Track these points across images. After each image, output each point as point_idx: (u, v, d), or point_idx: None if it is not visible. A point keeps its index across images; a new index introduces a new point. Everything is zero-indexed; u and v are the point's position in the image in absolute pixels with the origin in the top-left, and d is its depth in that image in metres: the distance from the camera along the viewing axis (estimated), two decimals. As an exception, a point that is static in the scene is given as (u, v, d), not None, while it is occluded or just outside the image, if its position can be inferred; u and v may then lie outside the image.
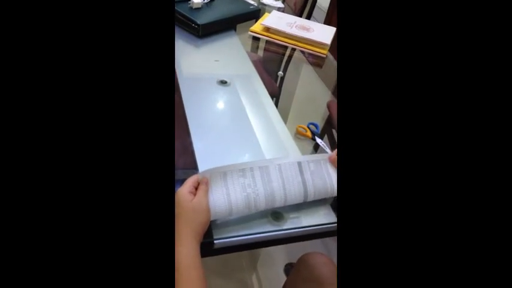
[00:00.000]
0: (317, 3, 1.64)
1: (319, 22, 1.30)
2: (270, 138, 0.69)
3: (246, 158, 0.65)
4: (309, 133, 0.74)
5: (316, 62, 1.08)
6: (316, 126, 0.77)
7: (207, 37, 1.01)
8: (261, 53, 1.11)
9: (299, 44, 1.10)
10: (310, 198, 0.54)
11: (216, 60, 0.92)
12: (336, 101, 0.91)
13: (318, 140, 0.74)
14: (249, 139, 0.68)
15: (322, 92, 0.98)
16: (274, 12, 1.24)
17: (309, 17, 1.57)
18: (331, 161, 0.56)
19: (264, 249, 1.26)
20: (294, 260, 0.75)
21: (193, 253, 0.42)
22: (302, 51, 1.10)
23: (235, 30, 1.11)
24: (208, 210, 0.47)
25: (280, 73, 1.02)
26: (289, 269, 1.19)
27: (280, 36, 1.10)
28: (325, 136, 0.79)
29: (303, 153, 0.68)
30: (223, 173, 0.50)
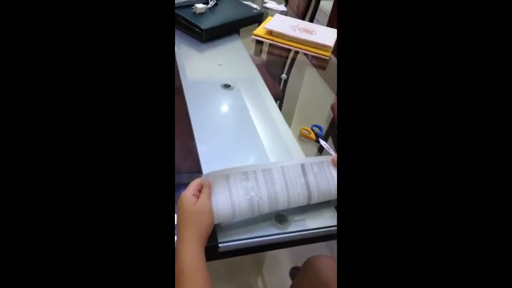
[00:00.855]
0: (320, 6, 1.64)
1: (322, 25, 1.30)
2: (274, 141, 0.69)
3: (250, 161, 0.65)
4: (312, 135, 0.74)
5: (320, 64, 1.08)
6: (320, 128, 0.77)
7: (210, 41, 1.02)
8: (264, 56, 1.12)
9: (302, 46, 1.10)
10: (314, 200, 0.54)
11: (219, 64, 0.92)
12: (339, 103, 0.91)
13: (322, 142, 0.73)
14: (253, 142, 0.68)
15: (326, 94, 0.98)
16: (277, 15, 1.25)
17: (311, 20, 1.58)
18: (334, 163, 0.56)
19: (269, 253, 1.25)
20: (300, 264, 0.75)
21: (198, 256, 0.42)
22: (305, 54, 1.10)
23: (238, 34, 1.12)
24: (211, 212, 0.47)
25: (284, 76, 1.02)
26: (294, 272, 1.18)
27: (283, 39, 1.11)
28: (330, 138, 0.79)
29: (307, 155, 0.67)
30: (225, 176, 0.50)
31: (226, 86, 0.83)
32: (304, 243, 0.55)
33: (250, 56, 1.00)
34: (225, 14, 1.07)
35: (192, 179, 0.50)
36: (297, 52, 1.10)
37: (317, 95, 1.00)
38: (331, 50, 1.10)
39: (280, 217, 0.53)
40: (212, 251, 0.49)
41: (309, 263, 0.72)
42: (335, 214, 0.56)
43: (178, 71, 0.86)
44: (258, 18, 1.20)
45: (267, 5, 1.42)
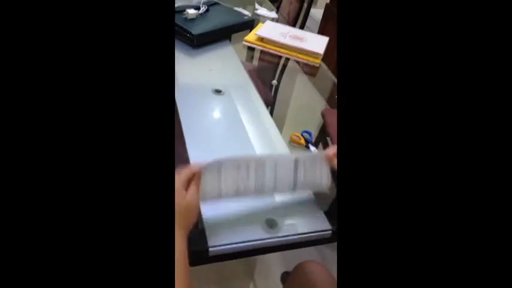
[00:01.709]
0: (310, 14, 1.66)
1: (312, 32, 1.32)
2: (265, 147, 0.70)
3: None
4: (302, 141, 0.75)
5: (310, 71, 1.10)
6: (309, 134, 0.78)
7: (201, 47, 1.03)
8: (255, 62, 1.13)
9: (292, 53, 1.11)
10: (298, 189, 0.56)
11: (210, 70, 0.93)
12: (330, 109, 0.92)
13: (312, 148, 0.74)
14: (244, 148, 0.68)
15: (316, 101, 0.99)
16: (268, 22, 1.26)
17: (302, 27, 1.60)
18: (327, 157, 0.57)
19: (260, 258, 1.25)
20: (291, 269, 0.75)
21: (182, 250, 0.42)
22: (296, 61, 1.11)
23: (229, 40, 1.13)
24: (199, 207, 0.47)
25: (274, 82, 1.03)
26: (285, 277, 1.18)
27: (274, 45, 1.12)
28: (320, 144, 0.80)
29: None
30: (218, 167, 0.51)
31: (217, 92, 0.84)
32: (294, 248, 0.55)
33: (242, 62, 1.01)
34: (216, 20, 1.08)
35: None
36: (288, 59, 1.12)
37: (308, 101, 1.01)
38: (321, 58, 1.12)
39: (270, 221, 0.54)
40: (202, 255, 0.49)
41: (298, 268, 0.72)
42: (324, 219, 0.56)
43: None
44: (249, 24, 1.21)
45: (258, 12, 1.44)
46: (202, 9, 1.10)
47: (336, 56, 0.40)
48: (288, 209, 0.57)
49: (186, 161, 0.63)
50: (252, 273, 1.23)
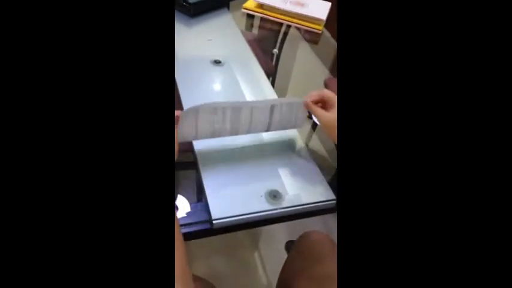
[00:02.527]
0: (312, -23, 1.59)
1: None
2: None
3: (243, 138, 0.64)
4: (305, 111, 0.74)
5: (312, 38, 1.06)
6: (312, 104, 0.76)
7: (199, 16, 0.99)
8: (255, 30, 1.09)
9: (294, 20, 1.07)
10: (271, 130, 0.60)
11: (209, 40, 0.90)
12: (333, 78, 0.90)
13: (314, 118, 0.73)
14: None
15: (319, 70, 0.96)
16: (268, -13, 1.21)
17: (303, -8, 1.53)
18: (305, 105, 0.57)
19: (264, 228, 1.27)
20: (295, 238, 0.76)
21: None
22: (298, 28, 1.07)
23: (228, 8, 1.08)
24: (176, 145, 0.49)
25: (275, 50, 1.00)
26: (290, 246, 1.21)
27: (274, 12, 1.08)
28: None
29: (301, 132, 0.67)
30: (195, 111, 0.53)
31: (217, 62, 0.82)
32: (296, 218, 0.55)
33: (241, 30, 0.98)
34: (213, -13, 1.04)
35: (185, 158, 0.50)
36: (289, 26, 1.08)
37: (310, 70, 0.99)
38: (323, 24, 1.08)
39: (273, 192, 0.54)
40: (207, 228, 0.50)
41: (303, 238, 0.73)
42: (328, 189, 0.56)
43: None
44: (248, -9, 1.16)
45: (257, -23, 1.37)
46: (198, -25, 1.05)
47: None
48: (291, 179, 0.57)
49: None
50: (256, 243, 1.25)
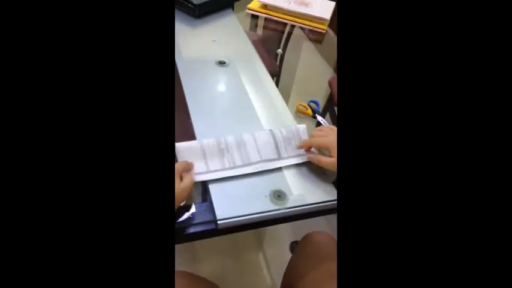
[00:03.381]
0: (316, -23, 1.58)
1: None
2: (271, 118, 0.68)
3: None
4: (309, 111, 0.74)
5: (316, 38, 1.06)
6: (316, 104, 0.76)
7: (203, 17, 0.99)
8: (259, 31, 1.09)
9: (298, 20, 1.07)
10: (283, 152, 0.60)
11: (213, 41, 0.90)
12: (337, 78, 0.90)
13: (319, 118, 0.73)
14: (250, 119, 0.67)
15: (323, 69, 0.96)
16: (272, -12, 1.20)
17: (308, -8, 1.53)
18: (308, 158, 0.59)
19: (269, 228, 1.27)
20: (300, 238, 0.76)
21: None
22: (302, 28, 1.07)
23: (232, 8, 1.09)
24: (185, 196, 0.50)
25: (280, 51, 1.00)
26: (294, 246, 1.21)
27: (278, 12, 1.08)
28: (327, 114, 0.78)
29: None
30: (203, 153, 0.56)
31: (221, 63, 0.82)
32: (301, 218, 0.55)
33: (245, 31, 0.98)
34: (218, -12, 1.04)
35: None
36: (293, 26, 1.08)
37: (314, 70, 0.98)
38: (327, 23, 1.07)
39: (278, 193, 0.54)
40: (212, 228, 0.50)
41: (307, 238, 0.73)
42: (332, 189, 0.56)
43: (171, 48, 0.84)
44: (252, -9, 1.16)
45: (261, -23, 1.37)
46: (203, -24, 1.05)
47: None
48: (296, 179, 0.57)
49: (191, 134, 0.62)
50: (261, 243, 1.25)
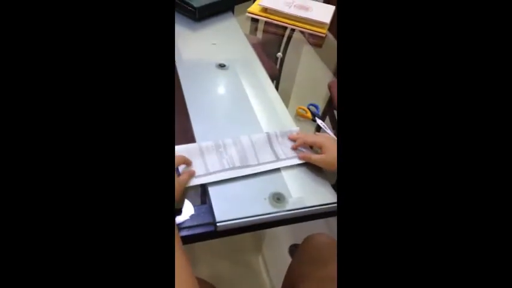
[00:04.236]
0: (316, -18, 1.59)
1: (318, 1, 1.27)
2: (271, 121, 0.69)
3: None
4: (309, 114, 0.74)
5: (316, 42, 1.06)
6: (316, 107, 0.77)
7: (204, 20, 1.00)
8: (259, 34, 1.10)
9: (298, 24, 1.08)
10: (280, 154, 0.60)
11: (213, 44, 0.91)
12: (336, 81, 0.90)
13: (319, 121, 0.73)
14: (250, 123, 0.68)
15: (323, 73, 0.96)
16: (272, -8, 1.21)
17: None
18: (300, 157, 0.61)
19: (268, 230, 1.27)
20: (299, 241, 0.76)
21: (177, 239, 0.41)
22: (302, 32, 1.08)
23: (233, 12, 1.09)
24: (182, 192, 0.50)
25: (279, 54, 1.01)
26: (293, 249, 1.21)
27: (278, 16, 1.08)
28: (327, 117, 0.78)
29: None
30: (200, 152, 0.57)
31: (221, 66, 0.82)
32: (301, 221, 0.55)
33: (246, 34, 0.98)
34: (218, -9, 1.04)
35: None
36: (293, 30, 1.08)
37: (314, 73, 0.99)
38: (327, 27, 1.08)
39: (277, 195, 0.54)
40: (211, 230, 0.50)
41: (307, 241, 0.73)
42: (332, 192, 0.56)
43: (172, 51, 0.84)
44: (253, -5, 1.17)
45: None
46: (203, -21, 1.06)
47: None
48: (295, 182, 0.57)
49: (190, 136, 0.62)
50: (260, 245, 1.25)
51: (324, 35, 1.07)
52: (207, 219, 0.51)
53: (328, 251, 0.68)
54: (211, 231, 0.50)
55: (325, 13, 1.11)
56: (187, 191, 0.52)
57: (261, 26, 1.09)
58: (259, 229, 0.54)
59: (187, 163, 0.54)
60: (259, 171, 0.57)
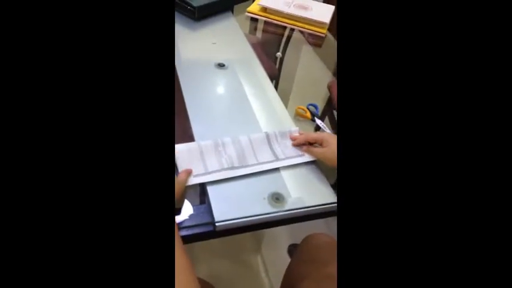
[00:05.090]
0: (316, -19, 1.59)
1: (318, 0, 1.27)
2: (270, 121, 0.69)
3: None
4: (308, 114, 0.74)
5: (316, 42, 1.06)
6: (315, 107, 0.76)
7: (203, 19, 1.00)
8: (259, 34, 1.10)
9: (297, 23, 1.08)
10: (279, 154, 0.60)
11: (213, 43, 0.91)
12: (336, 81, 0.90)
13: (318, 121, 0.73)
14: (249, 122, 0.67)
15: (322, 73, 0.96)
16: (272, -9, 1.21)
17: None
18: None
19: (267, 230, 1.27)
20: (298, 241, 0.76)
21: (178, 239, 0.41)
22: (301, 31, 1.08)
23: (232, 11, 1.09)
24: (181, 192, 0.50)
25: (279, 54, 1.00)
26: (292, 249, 1.21)
27: (278, 16, 1.08)
28: (326, 117, 0.78)
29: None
30: (200, 151, 0.57)
31: (221, 66, 0.82)
32: (301, 221, 0.55)
33: (245, 34, 0.98)
34: (217, -9, 1.04)
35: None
36: (292, 30, 1.08)
37: (313, 73, 0.99)
38: (327, 27, 1.08)
39: (276, 195, 0.54)
40: (210, 230, 0.50)
41: (306, 241, 0.73)
42: (331, 192, 0.56)
43: (171, 50, 0.84)
44: (252, -6, 1.17)
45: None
46: (203, -21, 1.06)
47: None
48: (294, 182, 0.57)
49: (189, 136, 0.62)
50: (259, 245, 1.25)
51: (323, 35, 1.07)
52: (206, 219, 0.51)
53: (327, 250, 0.68)
54: (210, 231, 0.50)
55: (325, 13, 1.11)
56: (186, 191, 0.52)
57: (260, 26, 1.09)
58: (258, 229, 0.54)
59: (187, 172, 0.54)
60: (258, 170, 0.57)
